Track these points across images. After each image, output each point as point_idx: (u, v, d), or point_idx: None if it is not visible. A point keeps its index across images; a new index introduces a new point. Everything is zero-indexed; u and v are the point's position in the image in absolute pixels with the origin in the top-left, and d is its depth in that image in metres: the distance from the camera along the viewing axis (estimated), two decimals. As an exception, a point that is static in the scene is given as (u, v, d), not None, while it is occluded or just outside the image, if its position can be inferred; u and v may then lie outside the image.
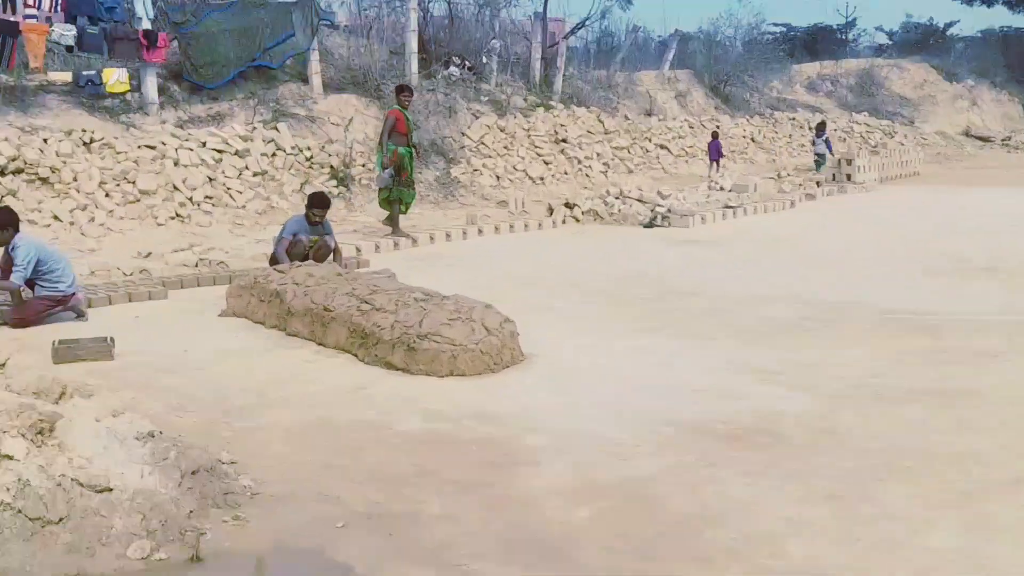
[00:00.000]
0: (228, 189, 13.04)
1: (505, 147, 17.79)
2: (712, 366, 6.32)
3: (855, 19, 50.55)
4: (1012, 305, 8.24)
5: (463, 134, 17.31)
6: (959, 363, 6.35)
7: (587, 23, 23.63)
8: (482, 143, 17.43)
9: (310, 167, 14.40)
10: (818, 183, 18.94)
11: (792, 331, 7.29)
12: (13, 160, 11.39)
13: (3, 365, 4.43)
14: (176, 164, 12.82)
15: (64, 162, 11.88)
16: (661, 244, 12.01)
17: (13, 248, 7.19)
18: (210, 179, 12.96)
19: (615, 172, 19.20)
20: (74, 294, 7.49)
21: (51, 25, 13.16)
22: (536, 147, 18.24)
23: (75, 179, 11.77)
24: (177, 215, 12.17)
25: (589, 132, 19.62)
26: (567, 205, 14.31)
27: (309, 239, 8.92)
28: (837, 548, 3.75)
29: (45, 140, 12.04)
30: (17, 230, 7.28)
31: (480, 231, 12.75)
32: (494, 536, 3.84)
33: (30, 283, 7.30)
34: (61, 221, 11.24)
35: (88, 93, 13.31)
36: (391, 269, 9.26)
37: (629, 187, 15.48)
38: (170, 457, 3.77)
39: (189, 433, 4.82)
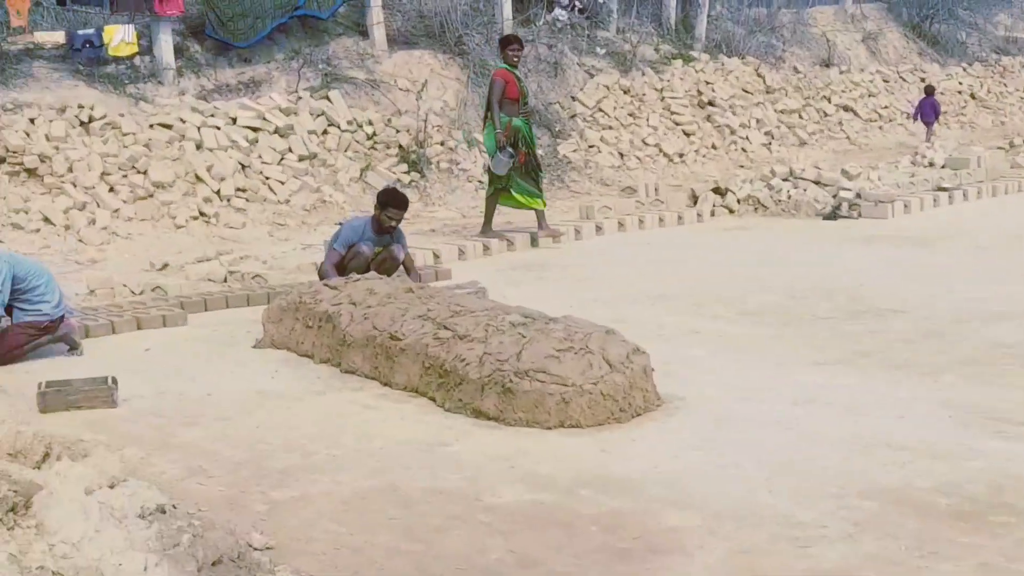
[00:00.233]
0: (266, 179, 13.23)
1: (631, 115, 17.65)
2: (925, 412, 6.09)
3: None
4: None
5: (574, 99, 17.24)
6: None
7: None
8: (600, 110, 17.32)
9: (372, 147, 14.51)
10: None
11: (1038, 362, 6.99)
12: (-8, 147, 11.75)
13: (-31, 417, 4.46)
14: (199, 148, 13.06)
15: (56, 148, 12.21)
16: (848, 242, 11.74)
17: None
18: (243, 166, 13.17)
19: (782, 145, 18.88)
20: (63, 318, 7.61)
21: (38, -29, 13.59)
22: (673, 113, 18.07)
23: (70, 170, 12.08)
24: (201, 214, 12.38)
25: (744, 91, 19.34)
26: (717, 191, 14.11)
27: (372, 249, 8.89)
28: None
29: (32, 120, 12.40)
30: None
31: (599, 228, 12.64)
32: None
33: (7, 308, 7.44)
34: (53, 224, 11.55)
35: (85, 58, 13.69)
36: (480, 282, 9.19)
37: (802, 165, 15.17)
38: (182, 542, 3.72)
39: (212, 506, 4.81)
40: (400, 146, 14.63)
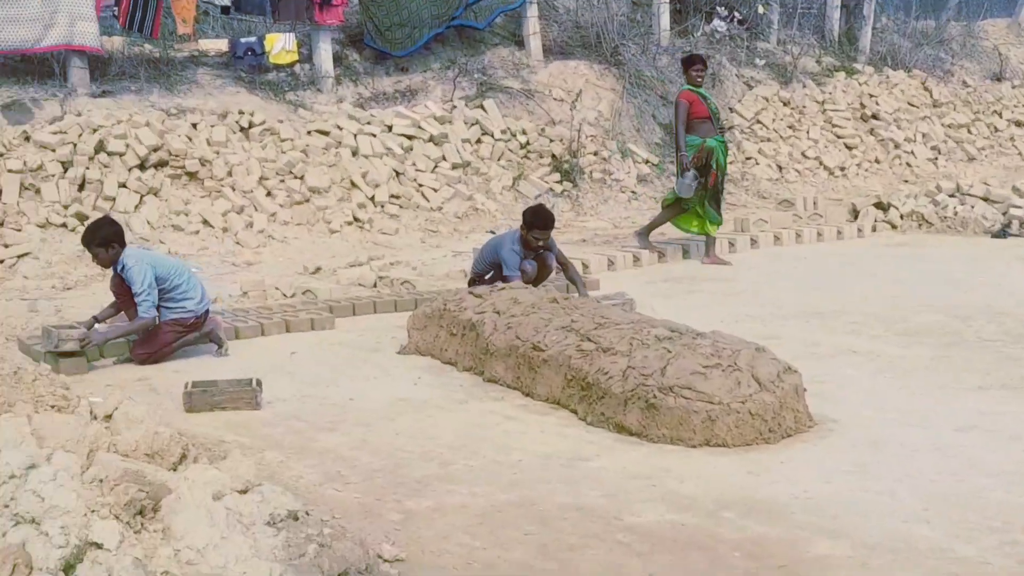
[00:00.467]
0: (420, 186, 13.27)
1: (790, 127, 17.29)
2: (1102, 444, 5.67)
3: None
4: None
5: (731, 110, 16.95)
6: None
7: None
8: (758, 121, 17.00)
9: (525, 156, 14.45)
10: None
11: None
12: (155, 150, 12.01)
13: (109, 417, 4.46)
14: (355, 154, 13.17)
15: (217, 152, 12.43)
16: (1018, 262, 11.26)
17: (123, 268, 7.45)
18: (397, 173, 13.24)
19: (949, 160, 18.25)
20: (207, 313, 7.70)
21: (204, -20, 13.91)
22: (835, 126, 17.63)
23: (230, 174, 12.28)
24: (355, 219, 12.47)
25: (910, 105, 18.76)
26: (879, 206, 13.68)
27: (534, 268, 8.86)
28: None
29: (194, 125, 12.65)
30: (123, 245, 7.54)
31: (753, 241, 12.36)
32: None
33: None
34: (212, 227, 11.74)
35: (247, 65, 13.95)
36: (627, 293, 9.02)
37: (970, 181, 14.59)
38: (308, 553, 3.63)
39: (346, 514, 4.75)
40: (553, 155, 14.52)
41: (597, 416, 6.06)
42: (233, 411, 6.30)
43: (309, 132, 13.26)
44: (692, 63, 11.60)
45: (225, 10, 14.29)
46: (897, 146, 17.82)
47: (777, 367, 6.01)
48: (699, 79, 11.51)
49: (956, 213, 13.22)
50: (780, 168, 16.47)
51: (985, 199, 13.52)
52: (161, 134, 12.21)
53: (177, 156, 12.13)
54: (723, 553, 4.46)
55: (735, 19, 18.61)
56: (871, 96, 18.50)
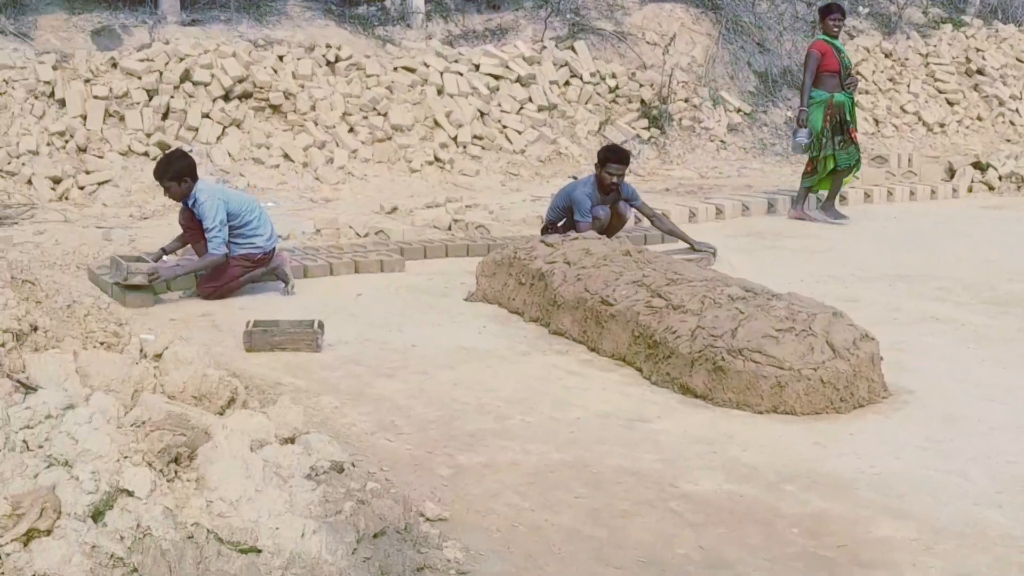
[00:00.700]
0: (504, 127, 13.11)
1: (891, 80, 16.79)
2: None
3: None
4: None
5: (830, 60, 16.45)
6: None
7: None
8: (857, 73, 16.47)
9: (614, 100, 14.21)
10: None
11: None
12: (240, 82, 11.98)
13: (159, 356, 4.40)
14: (440, 92, 13.04)
15: (302, 86, 12.37)
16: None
17: (194, 203, 7.40)
18: (481, 113, 13.08)
19: (1055, 120, 17.60)
20: (274, 250, 7.65)
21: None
22: (937, 81, 17.06)
23: (313, 108, 12.22)
24: (436, 159, 12.36)
25: (1018, 60, 18.11)
26: (977, 166, 13.24)
27: (607, 213, 8.63)
28: None
29: (280, 58, 12.60)
30: (195, 179, 7.49)
31: (842, 198, 12.01)
32: None
33: None
34: (292, 161, 11.71)
35: (339, -3, 13.83)
36: (714, 245, 8.82)
37: (1075, 142, 14.07)
38: (345, 510, 3.53)
39: (395, 466, 4.67)
40: (642, 101, 14.25)
41: (662, 376, 5.89)
42: (293, 352, 6.24)
43: (395, 68, 13.14)
44: (829, 11, 11.07)
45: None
46: (1002, 103, 17.21)
47: (854, 333, 5.79)
48: (836, 29, 11.00)
49: (1059, 176, 12.78)
50: (877, 122, 16.01)
51: (1091, 163, 13.04)
52: (247, 65, 12.18)
53: (261, 88, 12.09)
54: (781, 529, 4.29)
55: (839, -35, 18.05)
56: (978, 50, 17.87)
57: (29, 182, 10.54)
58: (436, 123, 12.70)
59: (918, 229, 10.72)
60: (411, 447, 4.99)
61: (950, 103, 16.89)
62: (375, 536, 3.59)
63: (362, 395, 5.65)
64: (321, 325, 6.41)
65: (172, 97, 11.66)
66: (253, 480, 3.50)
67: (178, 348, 4.41)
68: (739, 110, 15.05)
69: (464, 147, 12.64)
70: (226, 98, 11.91)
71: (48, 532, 3.19)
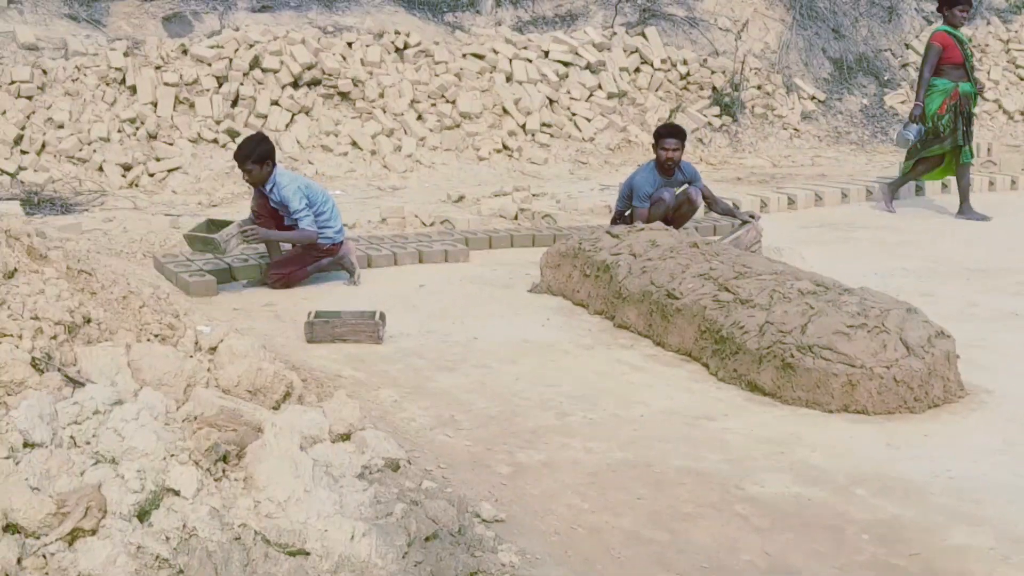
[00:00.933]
0: (573, 115, 12.96)
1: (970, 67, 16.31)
2: None
3: None
4: None
5: (907, 46, 16.11)
6: None
7: None
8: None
9: (685, 88, 13.99)
10: None
11: None
12: (309, 69, 11.94)
13: (214, 349, 4.32)
14: (509, 80, 12.91)
15: (370, 73, 12.30)
16: None
17: (274, 187, 7.35)
18: (550, 101, 12.94)
19: None
20: (342, 242, 7.59)
21: None
22: (1018, 67, 16.59)
23: (382, 95, 12.15)
24: (504, 147, 12.25)
25: (1103, 46, 17.56)
26: (1058, 155, 12.82)
27: (673, 195, 8.41)
28: None
29: (349, 44, 12.54)
30: (275, 163, 7.44)
31: (919, 188, 11.70)
32: None
33: (289, 227, 7.49)
34: (360, 149, 11.65)
35: (408, -17, 13.74)
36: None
37: None
38: (396, 512, 3.42)
39: (452, 464, 4.56)
40: (714, 88, 14.01)
41: (729, 372, 5.73)
42: (354, 344, 6.17)
43: (464, 55, 13.02)
44: (957, 1, 10.47)
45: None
46: (1087, 91, 16.73)
47: (929, 330, 5.59)
48: (961, 20, 10.50)
49: None
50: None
51: None
52: (316, 52, 12.13)
53: (330, 75, 12.04)
54: (850, 535, 4.13)
55: (918, -51, 17.63)
56: (1061, 36, 17.38)
57: (100, 169, 10.57)
58: (504, 110, 12.57)
59: (997, 220, 10.38)
60: (470, 443, 4.88)
61: (1032, 90, 16.46)
62: (427, 539, 3.48)
63: (421, 389, 5.55)
64: (383, 316, 6.32)
65: (241, 84, 11.65)
66: (302, 480, 3.41)
67: (233, 341, 4.32)
68: (813, 97, 14.75)
69: (532, 135, 12.50)
70: (295, 85, 11.87)
71: (93, 532, 3.13)
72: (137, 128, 11.02)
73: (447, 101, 12.43)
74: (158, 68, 11.58)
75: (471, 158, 11.98)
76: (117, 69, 11.43)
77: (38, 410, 3.35)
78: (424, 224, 9.26)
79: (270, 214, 7.51)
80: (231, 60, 11.76)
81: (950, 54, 10.41)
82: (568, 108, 12.97)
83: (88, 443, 3.37)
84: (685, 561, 3.90)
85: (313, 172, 10.97)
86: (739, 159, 13.06)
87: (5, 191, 9.90)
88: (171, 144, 10.97)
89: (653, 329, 6.37)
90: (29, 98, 10.99)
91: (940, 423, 5.26)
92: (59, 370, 3.75)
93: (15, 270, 4.17)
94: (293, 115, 11.68)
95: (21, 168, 10.32)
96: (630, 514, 4.26)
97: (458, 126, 12.25)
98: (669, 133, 8.37)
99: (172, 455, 3.31)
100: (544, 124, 12.62)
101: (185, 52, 11.84)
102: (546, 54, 13.43)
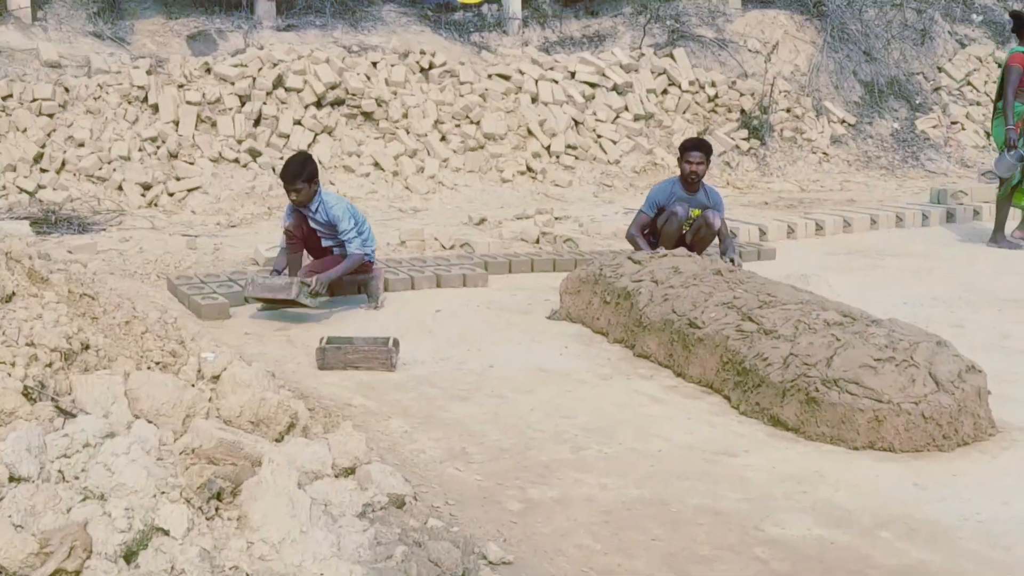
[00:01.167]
0: (599, 137, 12.84)
1: (1003, 91, 16.12)
2: None
3: None
4: None
5: (940, 69, 15.91)
6: None
7: None
8: (968, 83, 15.91)
9: (713, 110, 13.84)
10: None
11: None
12: (333, 88, 11.85)
13: (217, 378, 4.19)
14: (534, 100, 12.80)
15: (395, 93, 12.22)
16: None
17: (320, 206, 7.27)
18: (576, 122, 12.82)
19: None
20: (373, 262, 7.64)
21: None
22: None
23: (405, 116, 12.06)
24: (528, 169, 12.13)
25: None
26: (1094, 181, 12.54)
27: (687, 211, 8.26)
28: None
29: (374, 64, 12.46)
30: (319, 184, 7.38)
31: (950, 215, 11.51)
32: None
33: (329, 249, 7.49)
34: (383, 170, 11.55)
35: (435, 3, 13.66)
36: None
37: None
38: (396, 555, 3.27)
39: (461, 499, 4.41)
40: (742, 110, 13.86)
41: (751, 406, 5.56)
42: (367, 371, 6.03)
43: (489, 76, 12.93)
44: None
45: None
46: (1122, 116, 16.48)
47: (959, 365, 5.40)
48: None
49: None
50: (988, 135, 15.38)
51: None
52: (340, 72, 12.06)
53: (354, 95, 11.97)
54: (874, 581, 3.95)
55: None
56: (1097, 60, 17.14)
57: (119, 188, 10.51)
58: (529, 132, 12.46)
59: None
60: (480, 478, 4.72)
61: (1067, 115, 16.22)
62: (428, 584, 3.33)
63: (433, 419, 5.40)
64: (396, 343, 6.19)
65: (264, 103, 11.59)
66: (299, 520, 3.27)
67: (237, 369, 4.20)
68: (843, 121, 14.58)
69: (557, 157, 12.38)
70: (318, 105, 11.80)
71: (77, 573, 3.00)
72: (158, 147, 10.96)
73: (471, 122, 12.33)
74: (181, 87, 11.53)
75: (494, 180, 11.86)
76: (140, 87, 11.38)
77: (26, 442, 3.23)
78: (444, 247, 9.14)
79: (307, 235, 7.42)
80: (254, 79, 11.71)
81: None
82: (594, 130, 12.85)
83: (77, 478, 3.25)
84: (700, 607, 3.74)
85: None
86: (767, 183, 12.89)
87: (23, 210, 9.84)
88: (192, 163, 10.90)
89: (674, 359, 6.21)
90: (50, 116, 10.95)
91: (970, 462, 5.07)
92: (52, 399, 3.63)
93: (13, 294, 4.06)
94: (316, 135, 11.60)
95: (40, 187, 10.28)
96: (644, 556, 4.09)
97: (482, 147, 12.14)
98: (694, 146, 8.28)
99: (163, 492, 3.17)
100: (569, 146, 12.50)
101: (208, 71, 11.79)
102: (572, 75, 13.33)
